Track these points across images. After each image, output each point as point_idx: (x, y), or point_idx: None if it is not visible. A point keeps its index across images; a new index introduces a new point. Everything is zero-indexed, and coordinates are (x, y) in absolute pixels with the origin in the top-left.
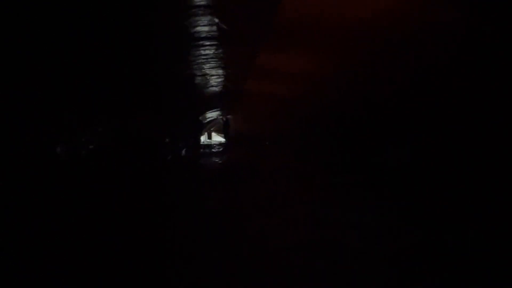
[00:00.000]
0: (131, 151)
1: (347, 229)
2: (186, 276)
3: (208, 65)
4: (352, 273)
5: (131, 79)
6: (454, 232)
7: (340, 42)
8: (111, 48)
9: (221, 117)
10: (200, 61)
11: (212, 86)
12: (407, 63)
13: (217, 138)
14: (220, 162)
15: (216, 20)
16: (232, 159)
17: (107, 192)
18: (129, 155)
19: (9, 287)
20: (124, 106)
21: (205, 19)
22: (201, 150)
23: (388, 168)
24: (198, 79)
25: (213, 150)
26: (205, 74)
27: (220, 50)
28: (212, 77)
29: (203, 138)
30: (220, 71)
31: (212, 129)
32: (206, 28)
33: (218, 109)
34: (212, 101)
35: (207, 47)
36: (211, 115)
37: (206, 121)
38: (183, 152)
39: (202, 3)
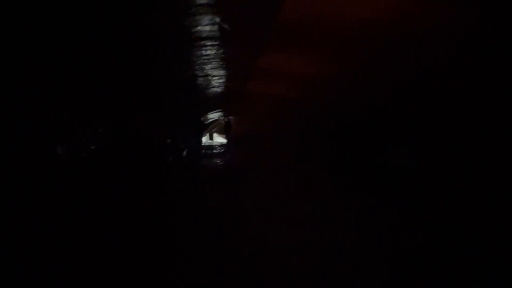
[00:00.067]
0: (132, 152)
1: (347, 229)
2: (186, 276)
3: (209, 65)
4: (352, 273)
5: (132, 79)
6: (454, 232)
7: (341, 43)
8: (112, 48)
9: (222, 118)
10: (201, 61)
11: (214, 86)
12: (407, 63)
13: (219, 139)
14: (221, 163)
15: (218, 20)
16: (234, 160)
17: (108, 192)
18: (130, 156)
19: (9, 287)
20: (125, 107)
21: (206, 19)
22: (203, 151)
23: (388, 168)
24: (200, 80)
25: (214, 151)
26: (206, 75)
27: (221, 51)
28: (214, 78)
29: (205, 139)
30: (221, 72)
31: (213, 130)
32: (207, 28)
33: (220, 110)
34: (214, 102)
35: (208, 48)
36: (213, 116)
37: (207, 122)
38: (185, 153)
39: (203, 2)
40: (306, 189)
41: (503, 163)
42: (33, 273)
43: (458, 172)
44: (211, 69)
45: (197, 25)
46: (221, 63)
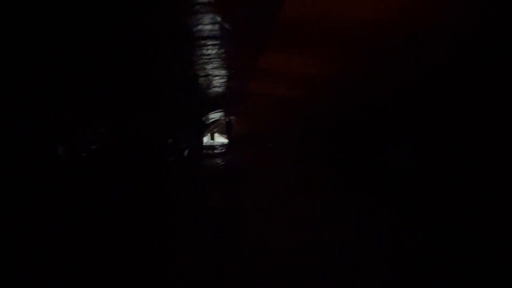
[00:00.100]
0: (133, 152)
1: (347, 229)
2: (186, 276)
3: (210, 65)
4: (352, 273)
5: (133, 79)
6: (454, 232)
7: (342, 42)
8: (113, 48)
9: (224, 118)
10: (202, 61)
11: (215, 86)
12: (408, 63)
13: (220, 139)
14: (222, 163)
15: (219, 20)
16: (235, 160)
17: (108, 192)
18: (132, 156)
19: (9, 287)
20: (126, 107)
21: (207, 19)
22: (204, 151)
23: (388, 168)
24: (201, 80)
25: (215, 151)
26: (207, 75)
27: (222, 50)
28: (215, 78)
29: (206, 139)
30: (222, 72)
31: (215, 130)
32: (208, 28)
33: (221, 110)
34: (215, 102)
35: (209, 47)
36: (214, 116)
37: (209, 122)
38: (186, 153)
39: (204, 1)
40: (306, 189)
41: (503, 163)
42: (33, 273)
43: (458, 172)
44: (212, 68)
45: (198, 25)
46: (222, 62)
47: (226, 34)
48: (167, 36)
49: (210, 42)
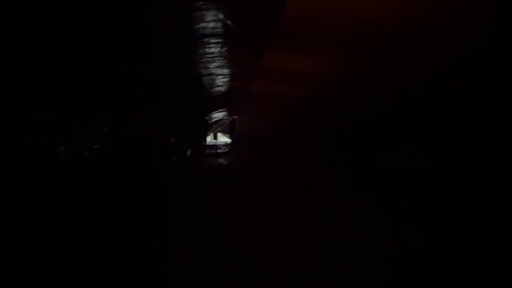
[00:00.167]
0: (135, 152)
1: (347, 229)
2: (186, 276)
3: (213, 64)
4: (352, 273)
5: (134, 78)
6: (454, 232)
7: (344, 42)
8: (114, 47)
9: (227, 117)
10: (205, 60)
11: (218, 86)
12: (409, 63)
13: (223, 139)
14: (224, 163)
15: (221, 18)
16: (237, 160)
17: (108, 192)
18: (133, 156)
19: (9, 287)
20: (127, 106)
21: (210, 17)
22: (207, 150)
23: (388, 168)
24: (204, 79)
25: (218, 150)
26: (210, 74)
27: (225, 49)
28: (218, 77)
29: (209, 139)
30: (225, 71)
31: (218, 129)
32: (211, 26)
33: (224, 109)
34: (218, 101)
35: (212, 46)
36: (217, 115)
37: (212, 122)
38: (188, 152)
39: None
40: (306, 189)
41: (503, 163)
42: (33, 273)
43: (458, 172)
44: (214, 67)
45: (201, 23)
46: (224, 61)
47: (229, 33)
48: (169, 35)
49: (213, 40)
